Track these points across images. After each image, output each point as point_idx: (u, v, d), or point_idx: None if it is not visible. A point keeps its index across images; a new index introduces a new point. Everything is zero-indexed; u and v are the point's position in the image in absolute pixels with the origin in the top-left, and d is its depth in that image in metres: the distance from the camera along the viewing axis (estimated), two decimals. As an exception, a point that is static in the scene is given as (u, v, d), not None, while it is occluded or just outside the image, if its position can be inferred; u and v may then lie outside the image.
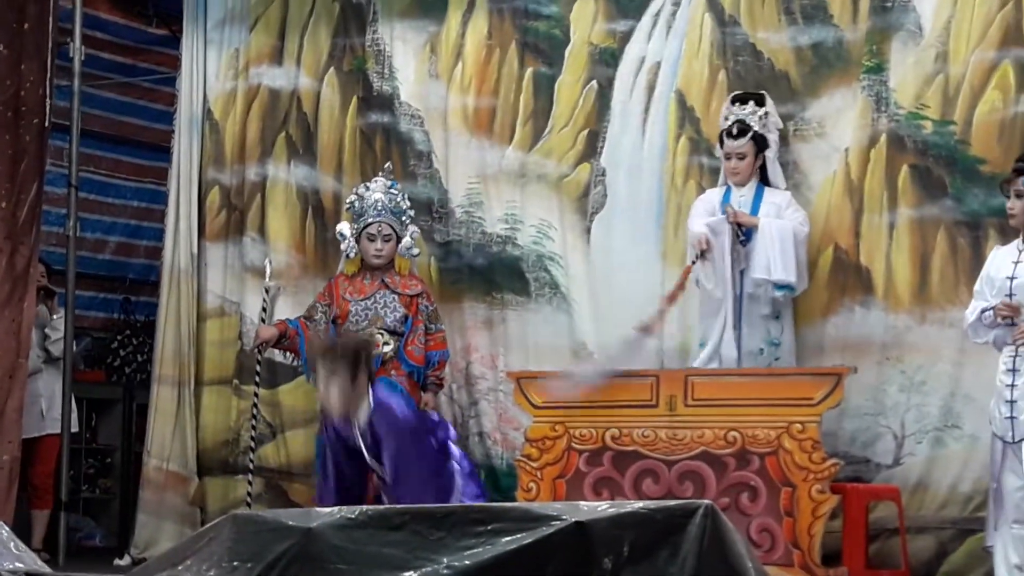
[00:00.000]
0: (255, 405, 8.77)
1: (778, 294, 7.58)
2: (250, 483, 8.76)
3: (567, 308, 8.55)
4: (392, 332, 8.10)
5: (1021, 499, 6.66)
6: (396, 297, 8.15)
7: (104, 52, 10.67)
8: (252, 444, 8.82)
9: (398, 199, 8.26)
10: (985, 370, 7.13)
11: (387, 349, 8.06)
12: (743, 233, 7.60)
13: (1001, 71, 7.65)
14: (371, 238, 8.17)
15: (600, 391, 7.38)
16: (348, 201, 8.38)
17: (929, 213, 7.75)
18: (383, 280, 8.19)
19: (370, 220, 8.17)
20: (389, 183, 8.32)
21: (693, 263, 7.63)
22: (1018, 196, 6.85)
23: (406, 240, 8.24)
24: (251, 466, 8.77)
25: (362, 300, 8.14)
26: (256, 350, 8.58)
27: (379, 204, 8.18)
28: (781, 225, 7.59)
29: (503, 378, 8.20)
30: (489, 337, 8.66)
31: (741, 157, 7.76)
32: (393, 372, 8.03)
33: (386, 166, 8.55)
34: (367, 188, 8.29)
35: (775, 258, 7.52)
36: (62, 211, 9.31)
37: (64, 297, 9.28)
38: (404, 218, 8.27)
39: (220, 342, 9.43)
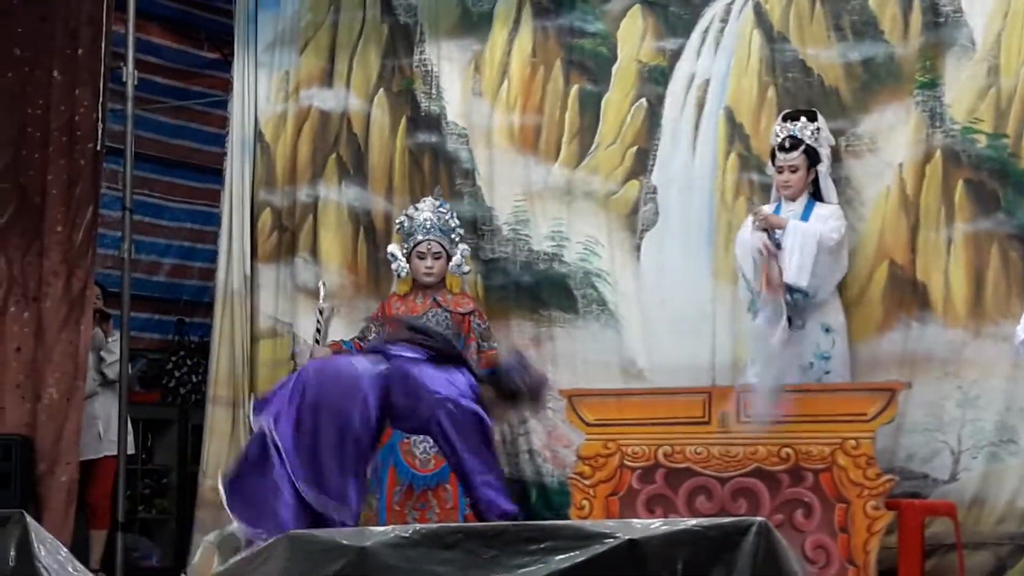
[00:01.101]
0: None
1: (790, 299, 7.52)
2: None
3: (615, 325, 8.54)
4: None
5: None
6: (448, 315, 8.17)
7: (157, 76, 10.75)
8: None
9: (447, 217, 8.29)
10: (1039, 384, 7.11)
11: None
12: (773, 238, 7.56)
13: (1050, 83, 7.62)
14: (421, 256, 8.20)
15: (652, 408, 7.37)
16: (398, 222, 8.42)
17: (983, 227, 7.72)
18: (435, 299, 8.21)
19: (420, 239, 8.20)
20: (438, 202, 8.35)
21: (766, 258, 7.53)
22: None
23: (456, 258, 8.27)
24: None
25: (415, 319, 8.16)
26: None
27: (428, 223, 8.21)
28: (807, 229, 7.55)
29: (553, 395, 8.20)
30: (537, 354, 8.65)
31: (793, 170, 7.74)
32: None
33: (436, 189, 8.59)
34: (416, 208, 8.33)
35: (792, 261, 7.48)
36: (117, 234, 9.36)
37: (119, 319, 9.33)
38: (453, 236, 8.30)
39: (273, 362, 9.46)
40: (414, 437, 7.95)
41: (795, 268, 7.47)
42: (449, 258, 8.25)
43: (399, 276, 8.32)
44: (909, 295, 7.86)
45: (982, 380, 7.60)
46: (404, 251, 8.27)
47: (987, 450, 7.55)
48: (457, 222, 8.36)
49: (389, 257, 8.39)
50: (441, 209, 8.32)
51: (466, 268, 8.37)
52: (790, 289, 7.48)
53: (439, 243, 8.22)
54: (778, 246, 7.54)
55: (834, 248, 7.60)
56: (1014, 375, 7.48)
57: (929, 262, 7.84)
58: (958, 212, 7.79)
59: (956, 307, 7.73)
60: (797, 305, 7.53)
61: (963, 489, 7.56)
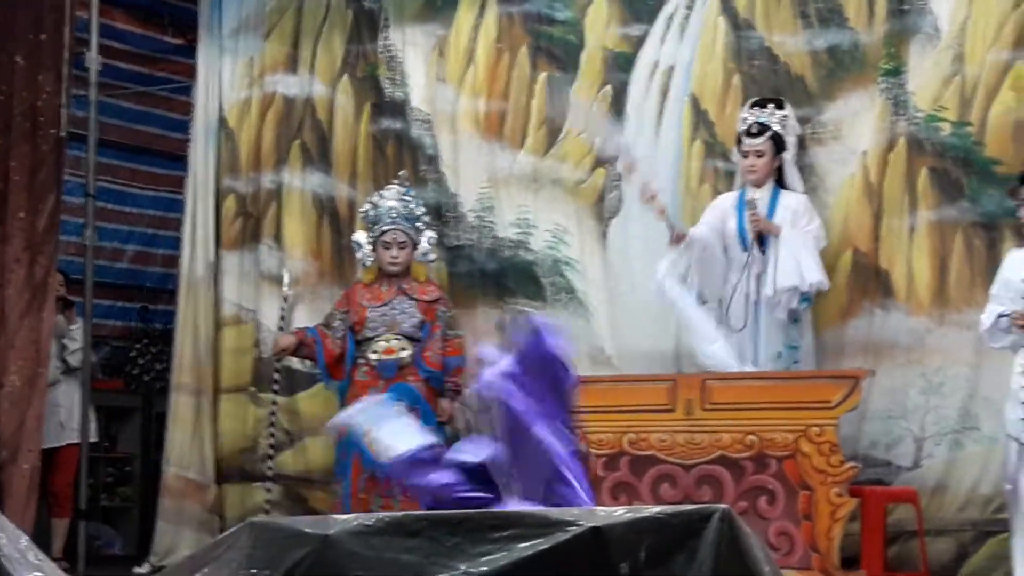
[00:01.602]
0: (273, 412, 8.77)
1: (802, 305, 7.56)
2: (268, 490, 8.76)
3: (584, 313, 8.54)
4: (409, 338, 8.11)
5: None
6: (414, 303, 8.15)
7: (121, 62, 10.69)
8: (271, 451, 8.83)
9: (412, 205, 8.26)
10: (1002, 372, 7.10)
11: (404, 355, 8.07)
12: (760, 240, 7.58)
13: (1015, 72, 7.63)
14: (386, 246, 8.18)
15: (617, 396, 7.38)
16: (362, 210, 8.39)
17: (947, 215, 7.74)
18: (400, 287, 8.19)
19: (385, 228, 8.17)
20: (403, 190, 8.32)
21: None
22: None
23: (422, 246, 8.25)
24: (269, 473, 8.77)
25: (379, 307, 8.15)
26: (274, 358, 8.59)
27: (393, 211, 8.19)
28: (800, 234, 7.57)
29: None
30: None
31: (759, 155, 7.74)
32: (410, 378, 8.04)
33: (400, 173, 8.56)
34: (381, 196, 8.30)
35: (806, 262, 7.48)
36: (80, 221, 9.32)
37: (82, 306, 9.30)
38: (419, 224, 8.28)
39: (237, 350, 9.44)
40: None
41: (813, 268, 7.46)
42: (415, 246, 8.23)
43: (364, 265, 8.29)
44: (873, 283, 7.87)
45: (946, 367, 7.62)
46: (369, 239, 8.24)
47: (950, 437, 7.58)
48: (423, 209, 8.34)
49: (354, 246, 8.37)
50: (406, 197, 8.29)
51: (432, 256, 8.35)
52: (802, 297, 7.51)
53: (404, 232, 8.20)
54: (762, 251, 7.55)
55: (820, 251, 7.65)
56: (977, 362, 7.50)
57: (893, 250, 7.85)
58: (922, 200, 7.80)
59: (919, 295, 7.75)
60: (804, 310, 7.60)
61: (926, 476, 7.58)
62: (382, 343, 8.08)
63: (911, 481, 7.56)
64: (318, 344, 8.21)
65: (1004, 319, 6.82)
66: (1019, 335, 6.79)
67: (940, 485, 7.54)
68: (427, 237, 8.29)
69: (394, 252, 8.17)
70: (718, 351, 7.44)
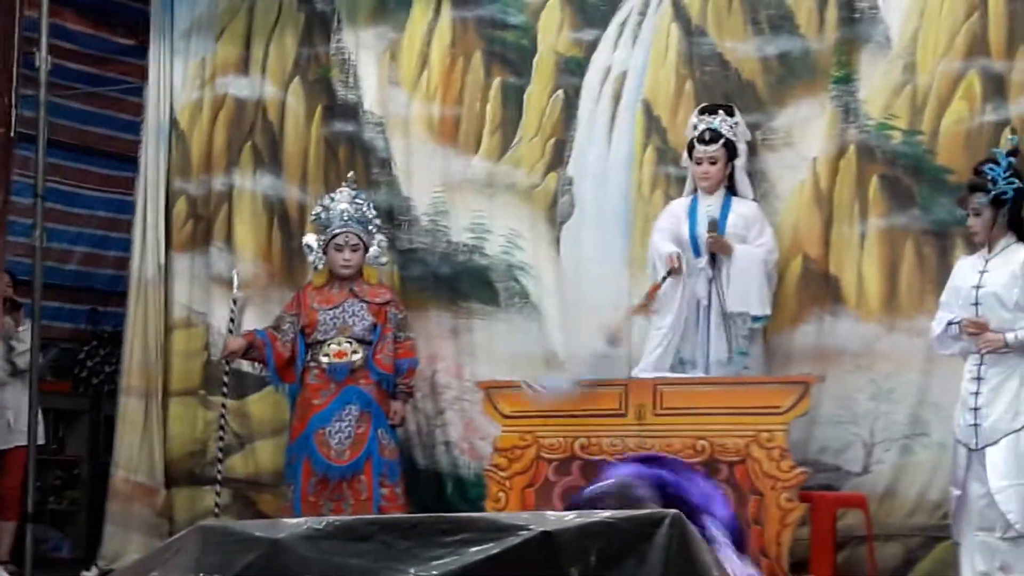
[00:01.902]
0: (223, 416, 8.73)
1: (755, 325, 7.62)
2: (217, 494, 8.72)
3: (537, 317, 8.55)
4: (360, 341, 8.09)
5: (985, 506, 6.70)
6: (365, 306, 8.14)
7: (71, 62, 10.61)
8: (219, 455, 8.79)
9: (363, 208, 8.25)
10: (952, 378, 7.15)
11: (356, 358, 8.05)
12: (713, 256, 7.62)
13: (967, 81, 7.68)
14: (338, 248, 8.16)
15: (569, 402, 7.37)
16: (313, 213, 8.36)
17: (898, 222, 7.78)
18: (351, 289, 8.18)
19: (337, 231, 8.16)
20: (354, 193, 8.31)
21: (664, 280, 7.60)
22: (976, 214, 6.90)
23: (373, 249, 8.24)
24: (219, 477, 8.73)
25: (330, 309, 8.13)
26: (224, 361, 8.56)
27: (345, 214, 8.17)
28: (752, 256, 7.61)
29: (470, 387, 8.18)
30: (455, 346, 8.66)
31: (713, 162, 7.76)
32: (362, 381, 8.03)
33: (349, 175, 8.55)
34: (332, 199, 8.28)
35: (752, 293, 7.55)
36: (28, 221, 9.24)
37: (30, 308, 9.23)
38: (370, 227, 8.27)
39: (187, 352, 9.40)
40: (329, 428, 7.92)
41: (756, 300, 7.55)
42: (366, 249, 8.21)
43: (316, 268, 8.27)
44: (822, 289, 7.90)
45: (896, 374, 7.66)
46: (320, 242, 8.22)
47: (900, 443, 7.62)
48: (374, 212, 8.33)
49: (305, 249, 8.34)
50: (358, 200, 8.28)
51: (383, 259, 8.34)
52: (754, 317, 7.56)
53: (356, 235, 8.19)
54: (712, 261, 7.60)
55: (772, 268, 7.69)
56: (928, 369, 7.54)
57: (842, 256, 7.89)
58: (872, 207, 7.84)
59: (869, 301, 7.79)
60: (752, 331, 7.63)
61: (875, 481, 7.62)
62: (333, 346, 8.06)
63: (860, 486, 7.59)
64: (267, 347, 8.19)
65: (954, 326, 6.87)
66: (968, 342, 6.85)
67: (889, 490, 7.58)
68: (378, 240, 8.28)
69: (346, 255, 8.15)
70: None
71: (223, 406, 8.70)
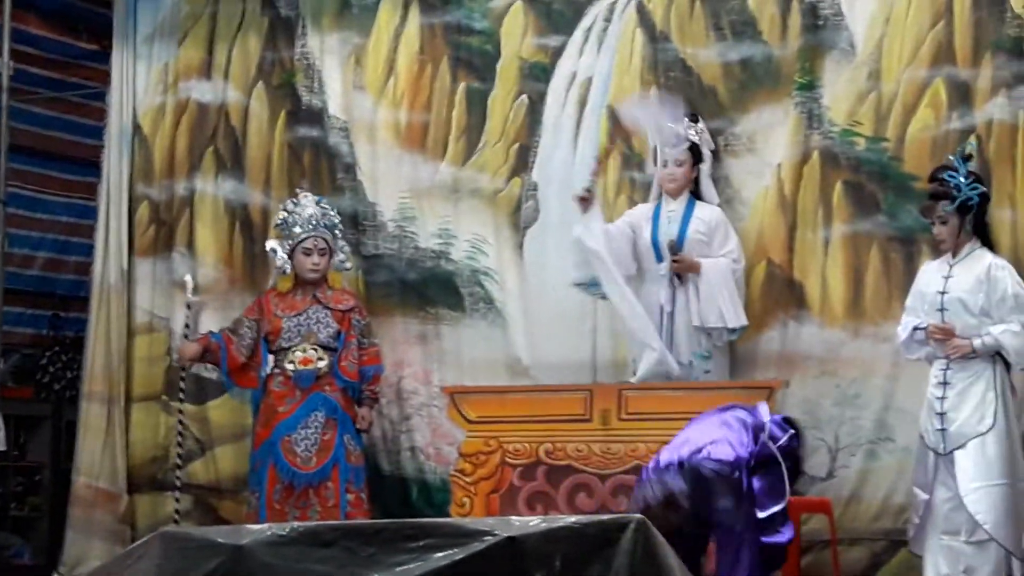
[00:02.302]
0: (180, 421, 8.69)
1: (733, 337, 7.68)
2: (177, 500, 8.68)
3: (502, 323, 8.54)
4: (326, 348, 8.07)
5: (950, 511, 6.74)
6: (329, 312, 8.11)
7: (33, 67, 10.56)
8: (179, 461, 8.75)
9: (330, 213, 8.24)
10: (917, 383, 7.19)
11: (321, 365, 8.03)
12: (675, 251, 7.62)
13: (933, 89, 7.73)
14: (307, 252, 8.13)
15: (534, 406, 7.39)
16: (279, 217, 8.32)
17: (862, 228, 7.81)
18: (315, 295, 8.15)
19: (305, 235, 8.12)
20: (317, 198, 8.29)
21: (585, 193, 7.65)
22: (942, 222, 6.93)
23: (339, 255, 8.22)
24: (178, 483, 8.69)
25: (294, 316, 8.10)
26: (181, 367, 8.52)
27: (313, 219, 8.15)
28: (721, 269, 7.65)
29: (437, 393, 8.17)
30: (422, 352, 8.64)
31: (679, 164, 7.81)
32: (327, 388, 8.00)
33: (302, 183, 8.54)
34: (295, 204, 8.25)
35: (726, 306, 7.60)
36: (-10, 227, 9.20)
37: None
38: (336, 231, 8.25)
39: (149, 358, 9.36)
40: (295, 435, 7.90)
41: (732, 313, 7.62)
42: (332, 254, 8.19)
43: (284, 273, 8.22)
44: (786, 294, 7.93)
45: (861, 379, 7.68)
46: (286, 247, 8.18)
47: (865, 448, 7.64)
48: (339, 218, 8.32)
49: (270, 253, 8.30)
50: (323, 204, 8.27)
51: (348, 265, 8.33)
52: (730, 329, 7.63)
53: (324, 239, 8.16)
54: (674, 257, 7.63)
55: (740, 276, 7.75)
56: (893, 374, 7.57)
57: (806, 262, 7.92)
58: (836, 213, 7.86)
59: (834, 307, 7.81)
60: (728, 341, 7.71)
61: (840, 486, 7.64)
62: (298, 353, 8.04)
63: (826, 491, 7.61)
64: (222, 350, 8.16)
65: (920, 332, 6.90)
66: (934, 347, 6.87)
67: (854, 495, 7.60)
68: (341, 245, 8.27)
69: (315, 259, 8.12)
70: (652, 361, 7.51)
71: (180, 411, 8.66)
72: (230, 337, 8.16)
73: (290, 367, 8.02)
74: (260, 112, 9.27)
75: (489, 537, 5.27)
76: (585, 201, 7.68)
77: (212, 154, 9.37)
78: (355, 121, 8.97)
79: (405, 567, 5.36)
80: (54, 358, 11.50)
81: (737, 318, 7.63)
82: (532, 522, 5.36)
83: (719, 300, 7.60)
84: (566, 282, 8.13)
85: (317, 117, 9.09)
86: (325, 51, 9.08)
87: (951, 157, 7.00)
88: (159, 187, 9.46)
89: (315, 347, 8.04)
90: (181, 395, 8.63)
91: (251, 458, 8.16)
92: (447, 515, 7.52)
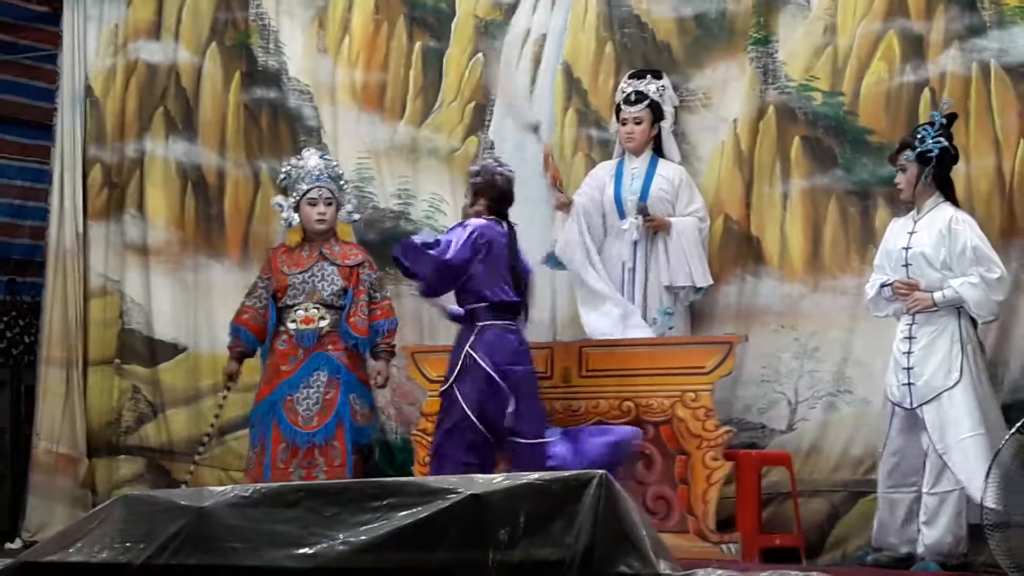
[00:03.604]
0: (209, 432, 8.49)
1: (698, 296, 7.73)
2: (192, 471, 8.52)
3: (461, 281, 8.51)
4: (328, 306, 7.95)
5: (914, 461, 6.83)
6: (335, 269, 8.00)
7: (-18, 30, 10.50)
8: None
9: (334, 165, 8.17)
10: (876, 336, 7.25)
11: (323, 324, 7.92)
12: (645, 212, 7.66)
13: (886, 42, 7.72)
14: (312, 202, 8.02)
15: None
16: (283, 172, 8.18)
17: (820, 183, 7.81)
18: (321, 252, 8.04)
19: (310, 186, 8.04)
20: (321, 152, 8.24)
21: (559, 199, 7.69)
22: (902, 170, 6.98)
23: (347, 206, 8.15)
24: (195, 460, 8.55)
25: (300, 273, 7.99)
26: (226, 387, 8.33)
27: (317, 170, 8.05)
28: (688, 228, 7.67)
29: (397, 352, 8.16)
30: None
31: (637, 122, 7.81)
32: (331, 347, 7.89)
33: (304, 141, 8.51)
34: (300, 158, 8.16)
35: (694, 265, 7.64)
36: (-57, 193, 9.14)
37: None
38: (342, 183, 8.17)
39: (103, 322, 9.35)
40: (297, 395, 7.83)
41: (700, 272, 7.66)
42: (339, 206, 8.11)
43: (289, 226, 8.12)
44: (744, 249, 7.95)
45: (820, 332, 7.71)
46: (291, 201, 8.10)
47: (824, 400, 7.67)
48: (343, 171, 8.24)
49: (275, 207, 8.21)
50: (327, 158, 8.20)
51: (356, 216, 8.24)
52: (696, 288, 7.67)
53: (329, 189, 8.07)
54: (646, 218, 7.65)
55: (706, 236, 7.78)
56: (852, 327, 7.60)
57: (764, 217, 7.93)
58: (794, 168, 7.87)
59: (793, 261, 7.83)
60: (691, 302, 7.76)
61: (800, 439, 7.67)
62: (300, 312, 7.93)
63: (785, 444, 7.65)
64: (246, 339, 8.05)
65: (887, 288, 6.95)
66: (901, 303, 6.91)
67: (813, 447, 7.64)
68: (348, 197, 8.20)
69: (321, 208, 8.01)
70: (600, 320, 7.53)
71: (216, 415, 8.45)
72: (247, 320, 8.04)
73: (292, 326, 7.92)
74: (214, 73, 9.23)
75: (453, 495, 5.29)
76: (566, 206, 7.68)
77: (162, 115, 9.34)
78: (318, 84, 8.96)
79: (370, 526, 5.37)
80: (11, 323, 11.44)
81: (704, 277, 7.67)
82: (496, 480, 5.39)
83: (688, 260, 7.63)
84: (523, 239, 8.11)
85: (274, 78, 9.06)
86: (282, 12, 9.05)
87: (934, 113, 7.04)
88: (111, 150, 9.44)
89: (317, 305, 7.93)
90: (200, 450, 8.44)
91: (251, 414, 8.08)
92: (409, 475, 7.53)
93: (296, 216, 8.05)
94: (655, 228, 7.67)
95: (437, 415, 7.04)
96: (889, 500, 6.90)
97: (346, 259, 8.04)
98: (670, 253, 7.65)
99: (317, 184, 8.03)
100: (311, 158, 8.12)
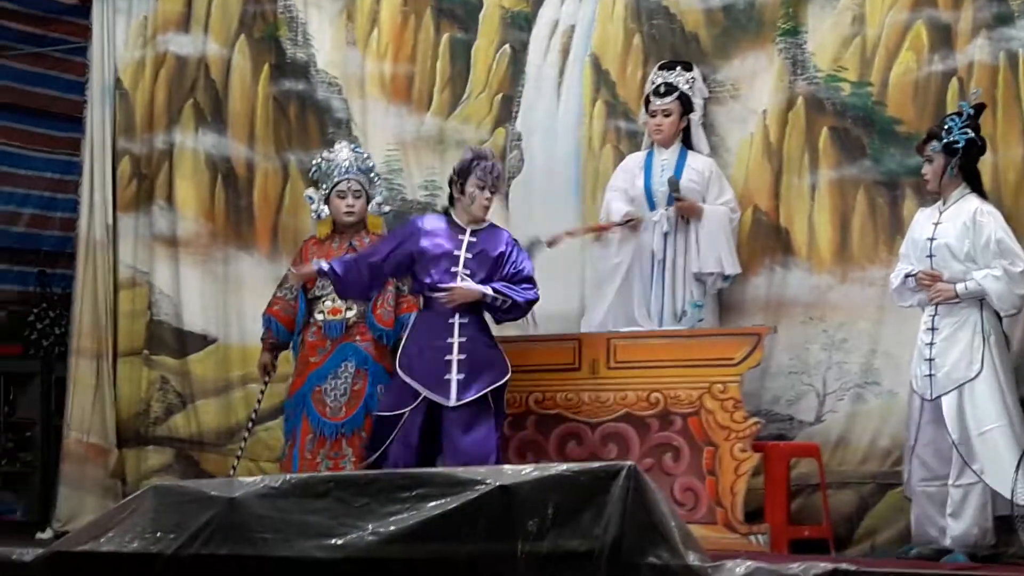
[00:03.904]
0: (251, 422, 8.48)
1: (725, 284, 7.71)
2: (237, 460, 8.52)
3: (488, 273, 8.52)
4: None
5: (934, 455, 6.81)
6: None
7: (13, 22, 10.54)
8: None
9: (364, 157, 8.16)
10: (904, 328, 7.22)
11: (350, 315, 7.93)
12: (676, 187, 7.65)
13: (914, 32, 7.69)
14: (341, 195, 8.02)
15: (522, 356, 7.41)
16: (313, 164, 8.17)
17: (848, 174, 7.79)
18: (351, 244, 8.04)
19: (339, 178, 8.05)
20: (354, 144, 8.25)
21: (623, 224, 7.65)
22: (929, 161, 6.97)
23: (377, 198, 8.15)
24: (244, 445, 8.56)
25: None
26: (264, 379, 8.35)
27: (347, 163, 8.04)
28: (720, 216, 7.66)
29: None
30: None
31: (666, 114, 7.79)
32: (358, 337, 7.88)
33: (334, 133, 8.55)
34: (331, 151, 8.16)
35: (723, 253, 7.62)
36: (-26, 185, 9.19)
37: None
38: (372, 176, 8.16)
39: (131, 313, 9.37)
40: (325, 385, 7.85)
41: (729, 260, 7.63)
42: (369, 199, 8.12)
43: (319, 218, 8.11)
44: (773, 240, 7.93)
45: (848, 324, 7.68)
46: (322, 193, 8.11)
47: (852, 392, 7.64)
48: (374, 163, 8.24)
49: (306, 200, 8.20)
50: (358, 150, 8.20)
51: (387, 208, 8.24)
52: (724, 276, 7.65)
53: (358, 182, 8.07)
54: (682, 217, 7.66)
55: (735, 227, 7.75)
56: (879, 318, 7.57)
57: (792, 208, 7.91)
58: (822, 158, 7.85)
59: (821, 252, 7.81)
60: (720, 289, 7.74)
61: (828, 430, 7.65)
62: (328, 303, 7.94)
63: (813, 436, 7.64)
64: (277, 331, 8.05)
65: (911, 279, 6.93)
66: (925, 293, 6.90)
67: (842, 439, 7.62)
68: (380, 189, 8.20)
69: (349, 201, 8.00)
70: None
71: (256, 409, 8.45)
72: (277, 311, 8.05)
73: (320, 317, 7.93)
74: (243, 65, 9.25)
75: (482, 486, 5.30)
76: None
77: (191, 107, 9.36)
78: (347, 76, 8.96)
79: (398, 516, 5.39)
80: (42, 315, 11.52)
81: (732, 266, 7.64)
82: (524, 471, 5.40)
83: (718, 246, 7.61)
84: (551, 231, 8.12)
85: (303, 71, 9.07)
86: (310, 4, 9.06)
87: (963, 103, 7.03)
88: (140, 141, 9.47)
89: None
90: (243, 445, 8.45)
91: (284, 406, 8.11)
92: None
93: (326, 208, 8.06)
94: (685, 212, 7.65)
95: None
96: (925, 494, 6.86)
97: None
98: (700, 240, 7.64)
99: (346, 177, 8.03)
100: (342, 151, 8.13)
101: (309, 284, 7.96)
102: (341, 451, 7.80)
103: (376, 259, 7.37)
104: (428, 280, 7.23)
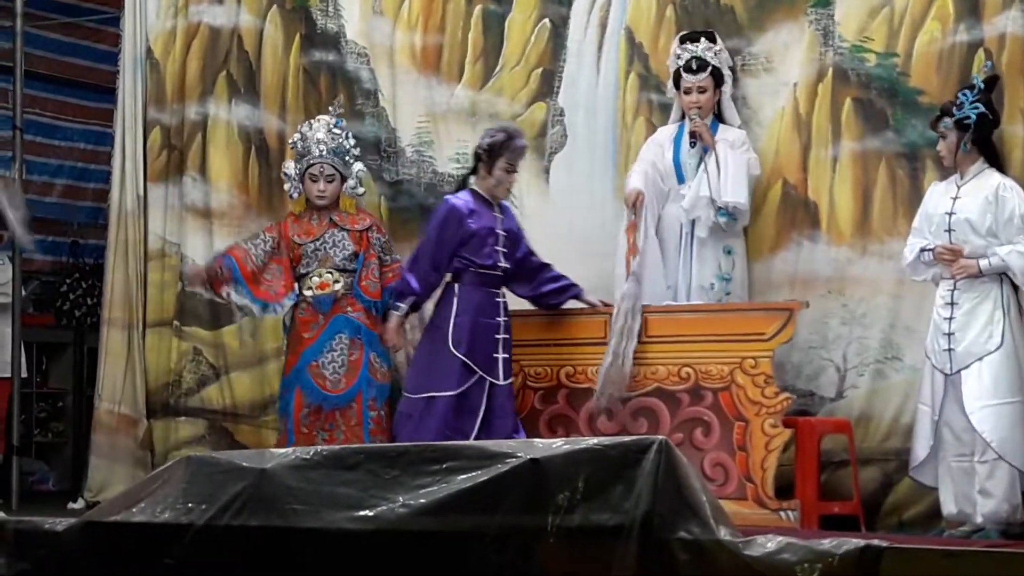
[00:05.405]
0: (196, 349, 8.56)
1: (721, 220, 7.58)
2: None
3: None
4: (341, 270, 8.04)
5: (962, 430, 6.76)
6: (346, 234, 8.08)
7: (47, -7, 10.56)
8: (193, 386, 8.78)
9: (341, 138, 8.17)
10: (924, 302, 7.18)
11: (338, 287, 8.01)
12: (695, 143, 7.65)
13: (940, 1, 7.64)
14: (313, 178, 8.08)
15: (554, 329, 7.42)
16: (292, 140, 8.29)
17: (871, 146, 7.73)
18: (331, 219, 8.11)
19: (312, 161, 8.09)
20: (333, 122, 8.24)
21: (632, 221, 7.62)
22: (943, 137, 6.94)
23: (350, 180, 8.17)
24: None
25: (312, 242, 8.07)
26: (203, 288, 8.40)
27: (320, 144, 8.08)
28: (737, 155, 7.61)
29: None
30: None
31: (702, 91, 7.75)
32: (349, 309, 7.97)
33: (336, 101, 8.51)
34: (310, 127, 8.20)
35: (731, 181, 7.53)
36: (7, 154, 9.21)
37: (11, 241, 9.20)
38: (348, 158, 8.17)
39: (161, 283, 9.38)
40: (322, 359, 7.89)
41: (731, 186, 7.53)
42: (343, 180, 8.15)
43: (292, 197, 8.21)
44: (802, 214, 7.89)
45: (868, 298, 7.63)
46: (298, 171, 8.16)
47: (872, 367, 7.60)
48: (352, 142, 8.25)
49: (283, 176, 8.29)
50: (335, 129, 8.19)
51: (361, 190, 8.26)
52: (720, 212, 7.55)
53: (332, 165, 8.10)
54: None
55: (753, 178, 7.68)
56: (899, 292, 7.52)
57: (819, 181, 7.86)
58: (845, 130, 7.80)
59: (841, 225, 7.76)
60: (721, 228, 7.62)
61: (850, 406, 7.61)
62: (315, 278, 8.02)
63: (835, 411, 7.60)
64: (233, 269, 8.01)
65: (927, 253, 6.90)
66: (942, 268, 6.87)
67: (864, 415, 7.57)
68: (356, 170, 8.20)
69: (321, 185, 8.07)
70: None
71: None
72: (237, 253, 8.06)
73: (309, 293, 8.01)
74: (275, 36, 9.24)
75: (512, 459, 5.31)
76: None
77: (225, 79, 9.35)
78: (376, 47, 8.93)
79: (428, 489, 5.40)
80: (74, 285, 11.57)
81: (735, 195, 7.50)
82: (555, 444, 5.40)
83: (737, 180, 7.51)
84: (590, 206, 8.11)
85: (333, 41, 9.05)
86: (340, -27, 9.05)
87: (975, 76, 6.98)
88: (170, 112, 9.45)
89: (331, 270, 8.02)
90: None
91: (280, 385, 8.16)
92: (468, 438, 7.55)
93: (300, 187, 8.11)
94: (702, 134, 7.61)
95: None
96: (961, 469, 6.81)
97: (355, 224, 8.10)
98: (720, 171, 7.55)
99: (318, 160, 8.06)
100: (319, 130, 8.12)
101: (294, 262, 8.02)
102: (335, 423, 7.85)
103: (442, 259, 7.42)
104: (483, 260, 7.30)
